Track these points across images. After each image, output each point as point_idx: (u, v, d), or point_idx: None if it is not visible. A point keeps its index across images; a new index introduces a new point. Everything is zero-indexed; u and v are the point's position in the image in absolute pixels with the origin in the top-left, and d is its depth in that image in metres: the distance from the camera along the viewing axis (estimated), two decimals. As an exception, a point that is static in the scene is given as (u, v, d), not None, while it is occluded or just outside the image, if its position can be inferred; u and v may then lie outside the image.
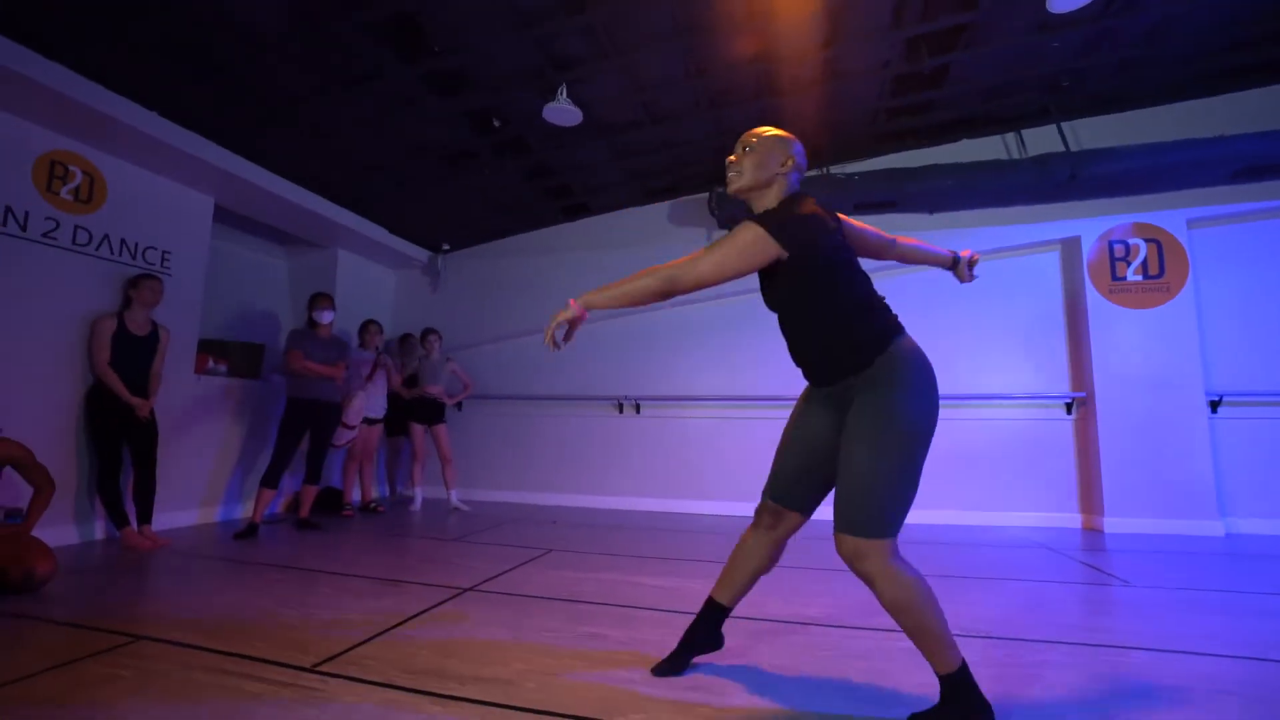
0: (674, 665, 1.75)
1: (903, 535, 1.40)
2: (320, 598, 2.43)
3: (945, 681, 1.38)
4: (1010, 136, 4.88)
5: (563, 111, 3.76)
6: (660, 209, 5.66)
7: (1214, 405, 4.31)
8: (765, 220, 1.50)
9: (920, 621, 1.36)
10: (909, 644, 1.96)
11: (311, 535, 3.82)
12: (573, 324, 1.55)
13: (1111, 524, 4.22)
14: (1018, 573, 2.99)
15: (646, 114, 4.25)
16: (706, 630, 1.79)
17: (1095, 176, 4.21)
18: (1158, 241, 4.48)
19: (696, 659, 1.81)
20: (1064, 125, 4.63)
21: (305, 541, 3.61)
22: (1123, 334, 4.44)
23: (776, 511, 1.68)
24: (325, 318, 4.21)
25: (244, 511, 4.45)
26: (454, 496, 5.08)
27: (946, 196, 4.56)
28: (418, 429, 5.07)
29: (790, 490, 1.65)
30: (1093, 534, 4.17)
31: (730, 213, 4.99)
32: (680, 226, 5.57)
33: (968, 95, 4.37)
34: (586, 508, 5.32)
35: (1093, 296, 4.53)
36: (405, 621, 2.14)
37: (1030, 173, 4.33)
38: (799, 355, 1.62)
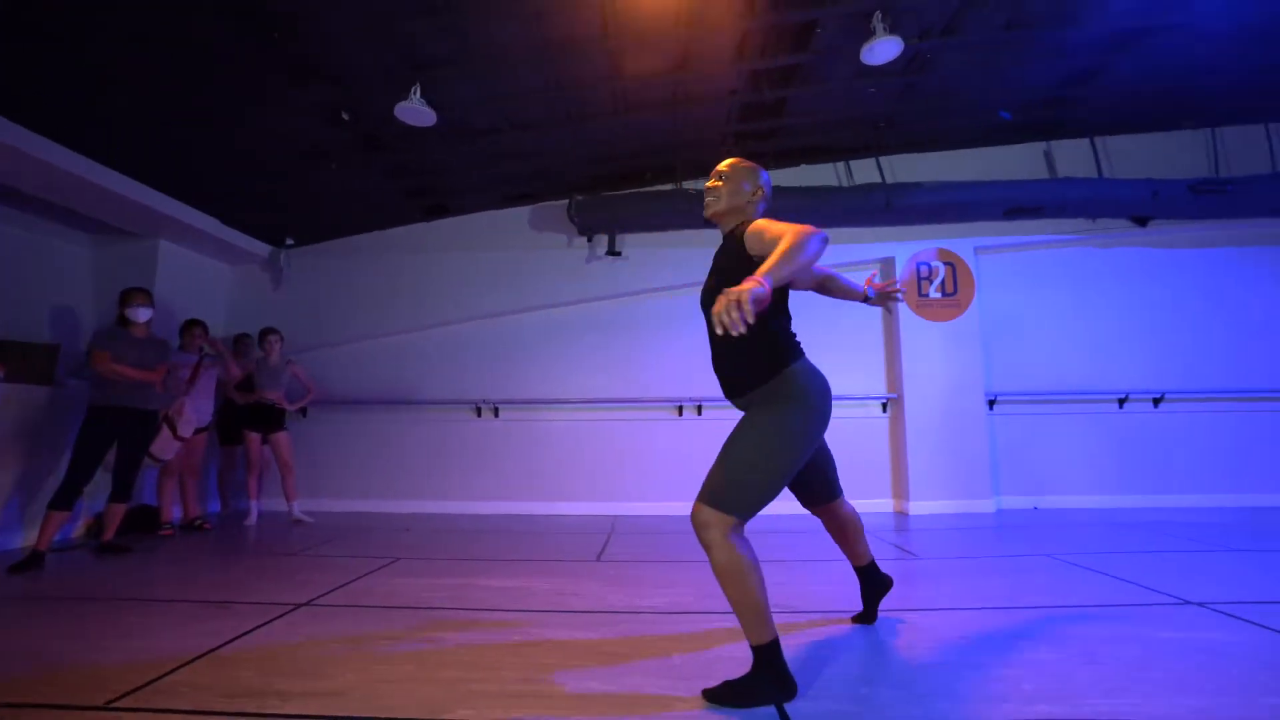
0: (866, 616, 2.19)
1: (749, 525, 1.59)
2: (122, 628, 2.19)
3: (757, 652, 1.57)
4: (841, 166, 5.50)
5: (416, 111, 3.67)
6: (521, 213, 5.68)
7: (991, 403, 5.16)
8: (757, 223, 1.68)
9: (742, 594, 1.55)
10: (730, 624, 2.19)
11: (117, 560, 3.39)
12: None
13: (915, 507, 4.90)
14: (833, 554, 3.39)
15: (506, 121, 4.27)
16: (869, 583, 2.20)
17: (905, 206, 4.89)
18: (953, 264, 5.27)
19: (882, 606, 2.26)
20: (882, 160, 5.30)
21: (108, 568, 3.21)
22: (926, 343, 5.17)
23: (813, 513, 2.11)
24: (141, 315, 3.75)
25: (24, 540, 3.83)
26: (295, 508, 4.73)
27: (787, 216, 5.02)
28: (254, 438, 4.67)
29: (800, 494, 2.03)
30: (901, 516, 4.81)
31: (588, 221, 5.14)
32: (540, 232, 5.63)
33: (804, 127, 4.86)
34: (445, 513, 5.20)
35: (903, 310, 5.22)
36: (227, 643, 2.01)
37: (855, 199, 4.93)
38: (719, 368, 1.84)
